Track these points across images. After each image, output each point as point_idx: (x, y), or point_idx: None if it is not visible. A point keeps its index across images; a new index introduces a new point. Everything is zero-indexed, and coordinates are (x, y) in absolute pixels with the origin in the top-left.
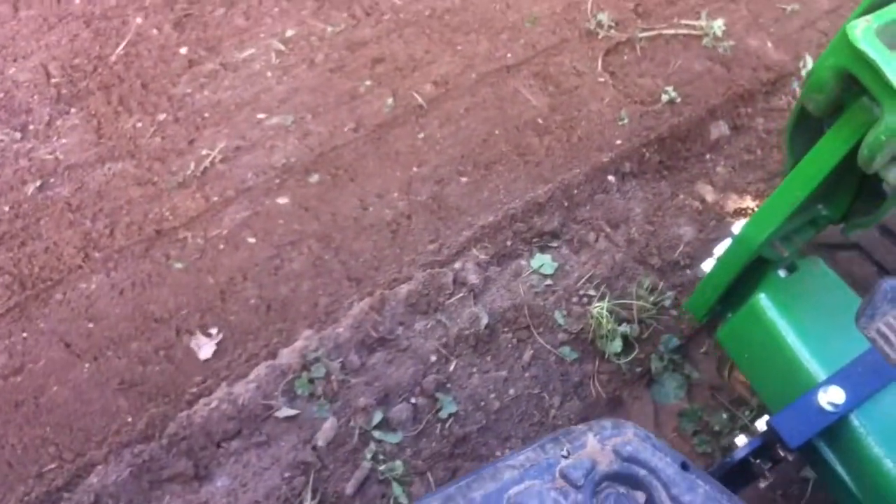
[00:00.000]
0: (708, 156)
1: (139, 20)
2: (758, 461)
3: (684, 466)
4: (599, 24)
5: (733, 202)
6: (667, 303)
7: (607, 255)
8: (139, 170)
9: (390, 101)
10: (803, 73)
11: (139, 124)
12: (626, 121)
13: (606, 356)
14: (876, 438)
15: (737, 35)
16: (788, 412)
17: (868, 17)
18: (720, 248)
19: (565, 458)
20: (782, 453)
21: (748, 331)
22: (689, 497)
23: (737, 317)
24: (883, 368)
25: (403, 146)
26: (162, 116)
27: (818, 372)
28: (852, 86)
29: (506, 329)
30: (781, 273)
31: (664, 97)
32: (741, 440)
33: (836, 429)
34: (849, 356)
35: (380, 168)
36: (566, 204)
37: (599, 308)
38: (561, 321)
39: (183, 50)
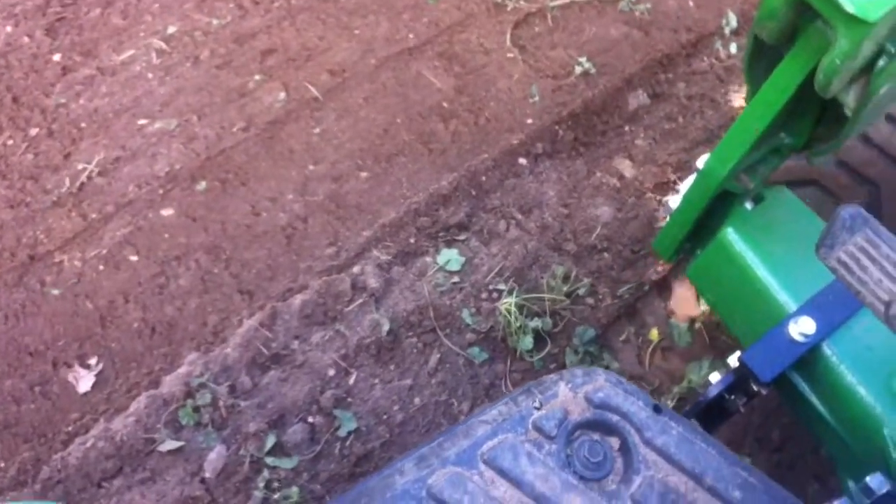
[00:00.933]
0: (627, 128)
1: (9, 28)
2: (732, 397)
3: (657, 409)
4: None
5: (653, 176)
6: (581, 291)
7: (518, 244)
8: (10, 191)
9: (282, 95)
10: (726, 30)
11: (10, 142)
12: (537, 98)
13: (518, 354)
14: (848, 366)
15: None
16: (759, 346)
17: None
18: (685, 185)
19: (538, 409)
20: (756, 388)
21: (717, 266)
22: (662, 439)
23: (705, 253)
24: (852, 296)
25: (298, 144)
26: (34, 131)
27: (788, 303)
28: (805, 11)
29: (410, 334)
30: (748, 205)
31: (578, 69)
32: (714, 377)
33: (809, 359)
34: (818, 285)
35: (273, 169)
36: (474, 193)
37: (507, 304)
38: (469, 320)
39: (56, 57)
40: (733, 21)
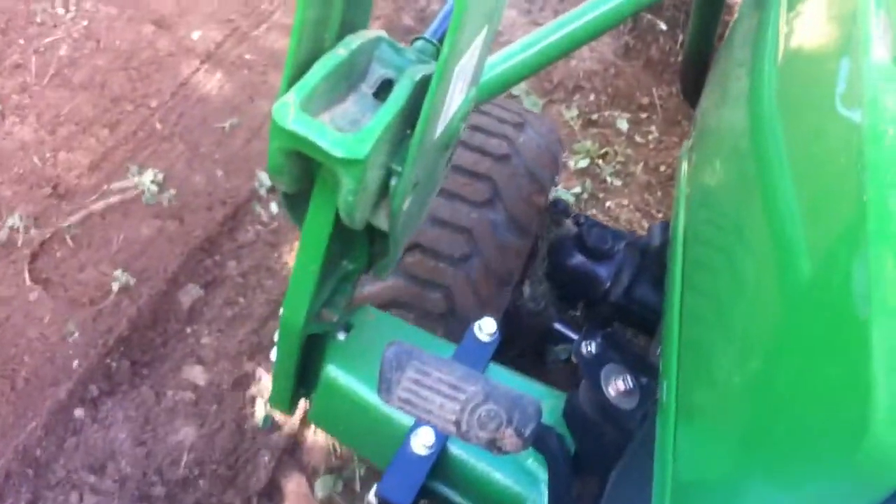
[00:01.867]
0: (188, 329)
1: None
2: None
3: None
4: (14, 229)
5: (229, 373)
6: None
7: None
8: None
9: None
10: (262, 192)
11: None
12: (77, 334)
13: None
14: (476, 457)
15: (180, 177)
16: (390, 473)
17: (290, 94)
18: (277, 335)
19: None
20: None
21: (331, 405)
22: None
23: (317, 395)
24: None
25: None
26: None
27: (404, 420)
28: (310, 159)
29: None
30: (341, 336)
31: (115, 285)
32: None
33: (441, 464)
34: None
35: None
36: (32, 473)
37: None
38: None
39: None
40: (266, 180)
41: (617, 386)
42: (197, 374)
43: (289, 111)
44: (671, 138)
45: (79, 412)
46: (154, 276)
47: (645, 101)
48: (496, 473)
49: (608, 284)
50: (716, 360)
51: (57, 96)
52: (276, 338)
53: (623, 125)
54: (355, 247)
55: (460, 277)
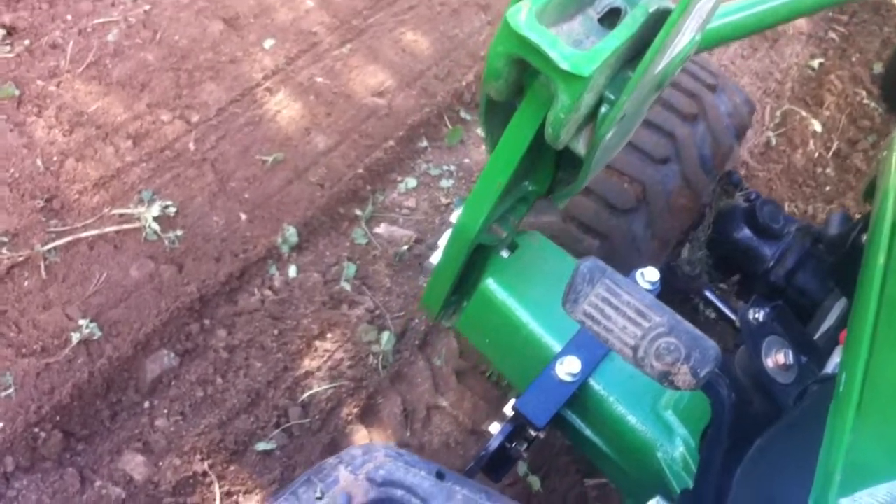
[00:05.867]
0: (146, 404)
1: None
2: (514, 444)
3: (440, 475)
4: None
5: (175, 471)
6: None
7: None
8: None
9: None
10: (284, 249)
11: None
12: (12, 390)
13: None
14: (617, 397)
15: (195, 213)
16: (531, 392)
17: (526, 1)
18: (444, 239)
19: (319, 499)
20: (534, 433)
21: (483, 317)
22: None
23: (470, 305)
24: None
25: None
26: None
27: (553, 345)
28: (527, 68)
29: None
30: (504, 254)
31: (75, 336)
32: (494, 427)
33: (580, 396)
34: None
35: None
36: None
37: None
38: None
39: None
40: (293, 236)
41: (777, 359)
42: (137, 464)
43: (522, 16)
44: None
45: None
46: (125, 333)
47: None
48: (632, 416)
49: (771, 264)
50: None
51: (87, 90)
52: (440, 241)
53: None
54: (541, 170)
55: (617, 229)
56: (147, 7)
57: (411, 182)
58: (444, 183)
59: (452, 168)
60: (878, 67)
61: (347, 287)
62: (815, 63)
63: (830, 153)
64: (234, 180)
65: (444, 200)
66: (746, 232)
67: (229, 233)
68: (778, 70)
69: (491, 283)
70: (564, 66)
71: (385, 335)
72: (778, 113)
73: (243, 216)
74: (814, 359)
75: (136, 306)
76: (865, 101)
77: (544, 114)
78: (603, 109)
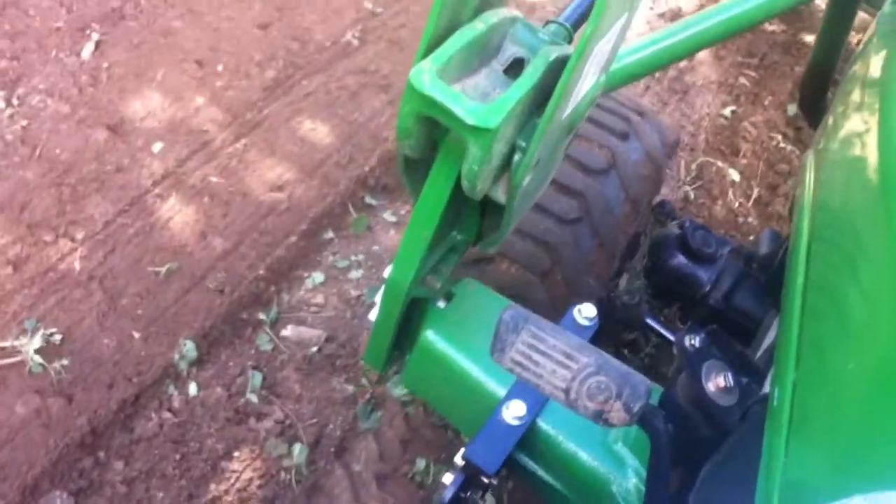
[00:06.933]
0: None
1: None
2: (468, 494)
3: None
4: None
5: None
6: None
7: None
8: None
9: None
10: (182, 366)
11: None
12: None
13: None
14: (565, 435)
15: (84, 338)
16: (480, 439)
17: (428, 60)
18: (379, 296)
19: None
20: (486, 480)
21: (426, 370)
22: None
23: (412, 359)
24: None
25: None
26: None
27: (498, 390)
28: (438, 123)
29: None
30: (441, 304)
31: None
32: (447, 478)
33: (530, 438)
34: None
35: None
36: None
37: None
38: None
39: None
40: (191, 351)
41: (717, 382)
42: None
43: (425, 76)
44: None
45: None
46: (12, 477)
47: None
48: (583, 453)
49: (708, 288)
50: (840, 371)
51: None
52: (377, 298)
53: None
54: (467, 219)
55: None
56: (24, 122)
57: (318, 277)
58: (354, 274)
59: (361, 257)
60: (793, 109)
61: (254, 398)
62: (728, 111)
63: (751, 201)
64: (126, 297)
65: (354, 293)
66: (681, 258)
67: (122, 355)
68: (690, 122)
69: (430, 335)
70: (470, 120)
71: (297, 447)
72: (693, 166)
73: (137, 335)
74: (754, 378)
75: (22, 446)
76: (782, 144)
77: (460, 167)
78: (516, 157)
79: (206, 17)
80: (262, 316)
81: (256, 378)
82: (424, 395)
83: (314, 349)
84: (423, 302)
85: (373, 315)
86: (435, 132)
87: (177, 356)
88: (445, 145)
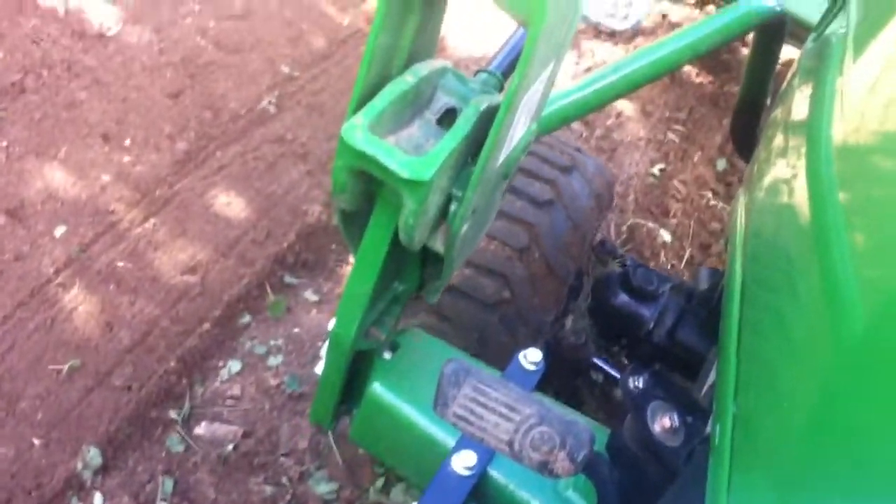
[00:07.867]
0: None
1: None
2: None
3: None
4: None
5: None
6: None
7: None
8: None
9: None
10: (86, 475)
11: None
12: None
13: None
14: (517, 484)
15: None
16: (431, 492)
17: (359, 115)
18: (324, 350)
19: None
20: None
21: (373, 422)
22: None
23: (360, 412)
24: None
25: None
26: None
27: (447, 440)
28: (373, 178)
29: None
30: (387, 355)
31: None
32: None
33: (481, 488)
34: None
35: None
36: None
37: None
38: None
39: None
40: (96, 458)
41: (663, 423)
42: None
43: (357, 131)
44: None
45: None
46: None
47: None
48: (535, 501)
49: (651, 325)
50: (775, 406)
51: None
52: (322, 352)
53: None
54: (408, 269)
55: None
56: None
57: (235, 366)
58: (273, 361)
59: (280, 342)
60: (722, 164)
61: None
62: (657, 169)
63: (683, 262)
64: (25, 399)
65: (273, 382)
66: (623, 297)
67: (20, 465)
68: (619, 182)
69: (377, 387)
70: (405, 174)
71: None
72: (624, 228)
73: (37, 442)
74: (699, 417)
75: None
76: (712, 202)
77: (397, 218)
78: (453, 207)
79: (113, 86)
80: (173, 414)
81: (167, 484)
82: (373, 449)
83: (230, 447)
84: (368, 354)
85: (318, 369)
86: (370, 185)
87: (80, 464)
88: (382, 198)
